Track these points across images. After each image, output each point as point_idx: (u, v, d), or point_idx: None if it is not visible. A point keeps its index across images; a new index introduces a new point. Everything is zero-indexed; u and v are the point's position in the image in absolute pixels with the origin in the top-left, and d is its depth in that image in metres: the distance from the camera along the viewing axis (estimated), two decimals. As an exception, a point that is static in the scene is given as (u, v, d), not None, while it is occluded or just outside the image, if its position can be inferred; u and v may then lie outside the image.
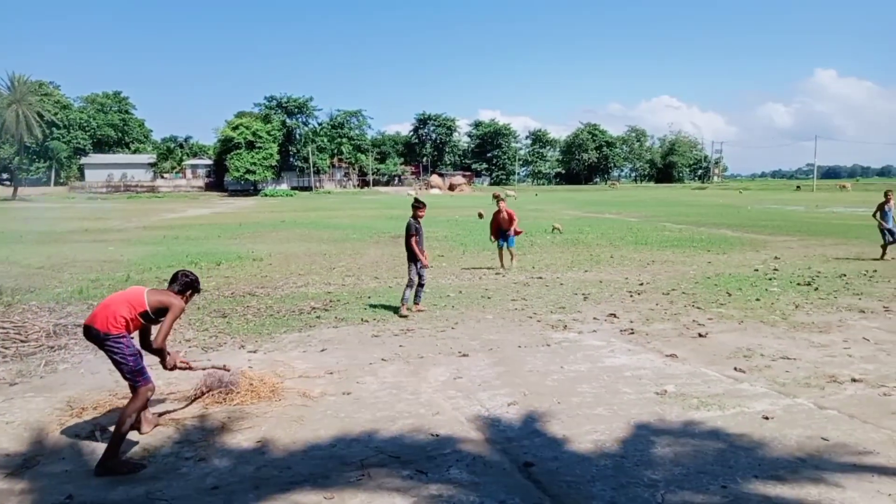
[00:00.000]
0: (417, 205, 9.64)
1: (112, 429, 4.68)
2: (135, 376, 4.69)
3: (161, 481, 4.21)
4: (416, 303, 9.66)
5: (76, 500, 3.96)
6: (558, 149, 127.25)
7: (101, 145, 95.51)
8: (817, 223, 27.04)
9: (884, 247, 15.13)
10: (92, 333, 4.73)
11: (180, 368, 5.30)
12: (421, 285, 9.68)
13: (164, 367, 5.17)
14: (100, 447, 4.71)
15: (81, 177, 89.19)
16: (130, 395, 4.80)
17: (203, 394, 5.71)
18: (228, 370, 5.82)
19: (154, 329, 5.05)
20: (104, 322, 4.68)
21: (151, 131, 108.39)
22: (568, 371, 6.59)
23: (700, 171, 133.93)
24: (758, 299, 10.28)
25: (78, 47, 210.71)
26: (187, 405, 5.61)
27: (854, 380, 6.17)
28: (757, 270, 13.47)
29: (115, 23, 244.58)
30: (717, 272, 13.26)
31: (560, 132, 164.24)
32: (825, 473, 4.22)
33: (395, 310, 9.55)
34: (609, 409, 5.46)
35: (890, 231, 14.96)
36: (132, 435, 4.89)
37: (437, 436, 4.92)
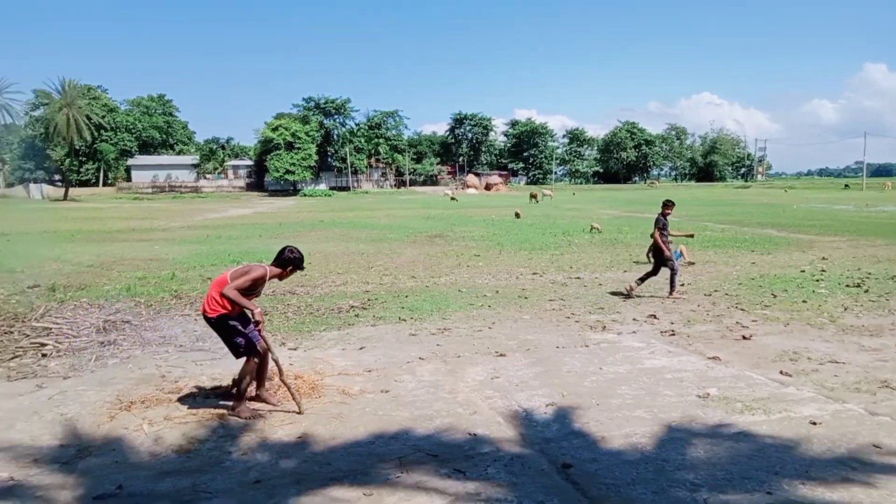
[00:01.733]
0: (667, 203, 10.91)
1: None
2: (248, 347, 5.32)
3: (206, 474, 4.32)
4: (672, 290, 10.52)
5: (125, 490, 4.10)
6: (596, 148, 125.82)
7: (147, 147, 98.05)
8: (867, 223, 26.12)
9: None
10: (205, 319, 5.39)
11: (263, 339, 5.40)
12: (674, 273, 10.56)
13: (254, 319, 5.26)
14: (147, 440, 4.87)
15: (128, 178, 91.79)
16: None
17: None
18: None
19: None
20: (205, 307, 5.33)
21: (194, 133, 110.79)
22: (607, 372, 6.52)
23: (743, 170, 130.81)
24: (804, 301, 10.00)
25: (124, 51, 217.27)
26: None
27: (907, 385, 5.95)
28: (803, 271, 13.10)
29: (159, 27, 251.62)
30: (761, 273, 12.94)
31: (598, 131, 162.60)
32: (878, 482, 4.08)
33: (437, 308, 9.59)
34: (649, 412, 5.39)
35: None
36: (177, 429, 5.05)
37: (475, 435, 4.93)
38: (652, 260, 11.38)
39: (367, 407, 5.57)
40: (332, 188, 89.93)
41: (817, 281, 11.90)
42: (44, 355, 7.23)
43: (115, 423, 5.21)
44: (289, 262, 5.43)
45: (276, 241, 20.57)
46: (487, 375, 6.44)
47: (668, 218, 10.69)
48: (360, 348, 7.56)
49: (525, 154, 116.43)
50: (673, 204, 11.00)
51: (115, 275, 13.35)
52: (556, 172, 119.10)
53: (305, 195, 77.53)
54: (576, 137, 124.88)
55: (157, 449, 4.73)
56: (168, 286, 11.78)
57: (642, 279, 10.66)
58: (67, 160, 77.99)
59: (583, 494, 4.02)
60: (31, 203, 59.10)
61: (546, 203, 49.96)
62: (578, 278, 12.62)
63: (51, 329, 8.22)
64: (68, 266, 14.76)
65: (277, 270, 5.43)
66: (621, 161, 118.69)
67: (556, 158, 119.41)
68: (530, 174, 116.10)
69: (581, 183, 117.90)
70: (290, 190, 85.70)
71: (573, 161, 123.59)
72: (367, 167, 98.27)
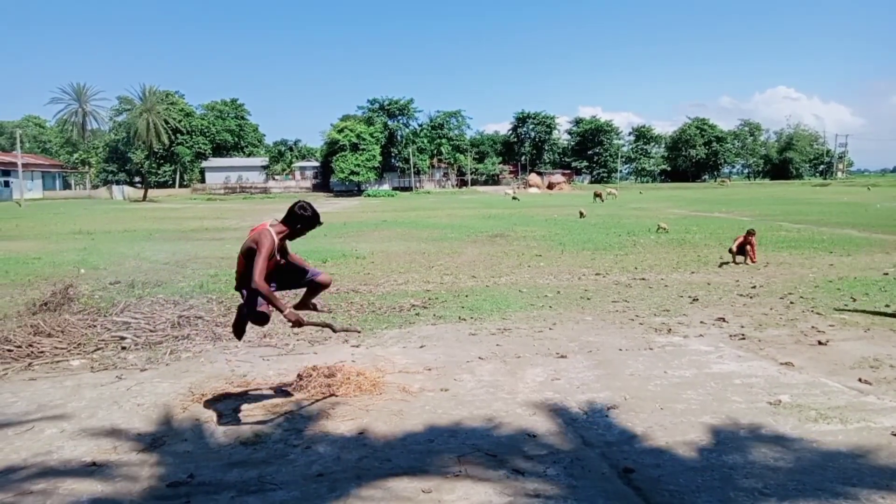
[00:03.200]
0: None
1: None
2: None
3: (271, 466, 4.47)
4: None
5: (196, 479, 4.28)
6: (663, 145, 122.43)
7: (220, 149, 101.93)
8: (961, 222, 24.35)
9: None
10: None
11: (300, 324, 5.16)
12: None
13: (288, 321, 5.09)
14: (217, 431, 5.07)
15: (202, 179, 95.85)
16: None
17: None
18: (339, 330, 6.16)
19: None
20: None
21: (264, 135, 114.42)
22: (672, 376, 6.35)
23: (821, 167, 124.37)
24: (887, 305, 9.43)
25: (200, 58, 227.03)
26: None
27: None
28: (887, 274, 12.36)
29: (233, 33, 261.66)
30: (840, 275, 12.29)
31: (665, 128, 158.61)
32: (967, 499, 3.81)
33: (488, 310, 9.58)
34: (716, 418, 5.21)
35: None
36: (245, 421, 5.26)
37: (534, 436, 4.90)
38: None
39: (427, 405, 5.62)
40: (394, 188, 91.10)
41: (903, 284, 11.19)
42: (123, 348, 7.65)
43: (187, 415, 5.45)
44: (292, 217, 5.09)
45: (340, 241, 21.03)
46: (548, 377, 6.39)
47: None
48: (421, 347, 7.64)
49: (589, 152, 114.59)
50: None
51: (189, 272, 13.94)
52: (621, 171, 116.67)
53: (369, 195, 78.82)
54: (642, 135, 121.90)
55: (225, 440, 4.92)
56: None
57: None
58: (147, 163, 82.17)
59: (645, 500, 3.93)
60: (114, 203, 62.49)
61: (611, 202, 49.01)
62: (643, 279, 12.32)
63: (130, 323, 8.67)
64: (146, 263, 15.53)
65: (284, 229, 5.13)
66: (690, 159, 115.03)
67: (622, 157, 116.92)
68: (594, 173, 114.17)
69: (647, 181, 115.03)
70: (355, 190, 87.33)
71: (639, 159, 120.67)
72: (429, 167, 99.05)
